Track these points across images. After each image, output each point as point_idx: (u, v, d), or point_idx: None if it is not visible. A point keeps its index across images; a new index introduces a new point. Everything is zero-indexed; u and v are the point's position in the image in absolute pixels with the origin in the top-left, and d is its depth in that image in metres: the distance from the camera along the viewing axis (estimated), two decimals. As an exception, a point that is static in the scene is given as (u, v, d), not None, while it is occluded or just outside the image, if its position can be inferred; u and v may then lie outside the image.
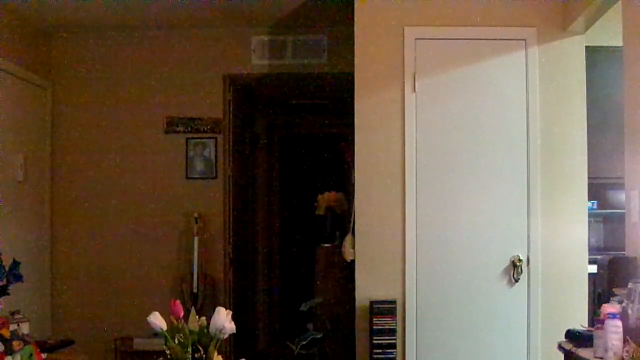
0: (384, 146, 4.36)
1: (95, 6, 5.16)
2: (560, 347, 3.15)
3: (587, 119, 4.35)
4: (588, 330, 3.02)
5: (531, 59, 4.34)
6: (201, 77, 5.80)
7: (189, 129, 5.80)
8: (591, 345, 2.82)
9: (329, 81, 6.20)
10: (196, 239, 5.61)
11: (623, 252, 3.45)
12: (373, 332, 4.17)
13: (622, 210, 3.52)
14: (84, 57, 5.84)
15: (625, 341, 2.61)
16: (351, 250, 4.51)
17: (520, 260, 4.26)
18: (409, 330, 4.29)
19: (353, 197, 4.51)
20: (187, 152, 5.79)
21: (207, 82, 5.80)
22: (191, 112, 5.80)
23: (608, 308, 2.72)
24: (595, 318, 2.84)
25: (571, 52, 4.37)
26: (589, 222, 4.42)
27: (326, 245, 5.36)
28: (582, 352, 2.89)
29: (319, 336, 4.95)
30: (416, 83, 4.35)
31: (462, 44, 4.39)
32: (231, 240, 6.03)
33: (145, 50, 5.83)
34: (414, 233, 4.32)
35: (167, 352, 2.40)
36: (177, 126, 5.80)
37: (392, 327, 4.18)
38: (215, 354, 2.43)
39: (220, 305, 2.56)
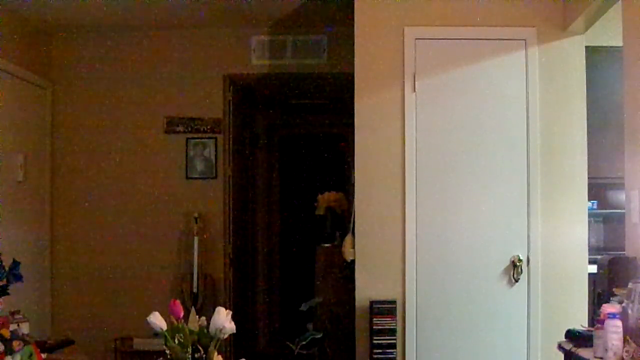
0: (384, 146, 4.36)
1: (95, 6, 5.16)
2: (560, 347, 3.15)
3: (587, 119, 4.35)
4: (588, 330, 3.02)
5: (531, 59, 4.34)
6: (201, 77, 5.80)
7: (189, 129, 5.80)
8: (591, 345, 2.82)
9: (329, 81, 6.20)
10: (196, 239, 5.61)
11: (623, 252, 3.44)
12: (373, 332, 4.17)
13: (622, 210, 3.52)
14: (84, 57, 5.84)
15: (625, 341, 2.61)
16: (351, 250, 4.51)
17: (520, 260, 4.27)
18: (409, 330, 4.29)
19: (353, 197, 4.51)
20: (187, 152, 5.79)
21: (207, 82, 5.81)
22: (191, 112, 5.80)
23: (608, 308, 2.71)
24: (595, 318, 2.84)
25: (571, 52, 4.37)
26: (589, 222, 4.42)
27: (326, 245, 5.35)
28: (582, 352, 2.89)
29: (319, 336, 4.95)
30: (416, 83, 4.35)
31: (462, 44, 4.39)
32: (231, 240, 6.03)
33: (145, 50, 5.83)
34: (414, 233, 4.32)
35: (167, 352, 2.40)
36: (177, 126, 5.80)
37: (392, 327, 4.18)
38: (215, 354, 2.43)
39: (220, 305, 2.56)
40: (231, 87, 6.02)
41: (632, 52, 3.39)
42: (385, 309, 4.18)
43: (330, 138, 8.33)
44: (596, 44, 4.59)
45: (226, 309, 2.48)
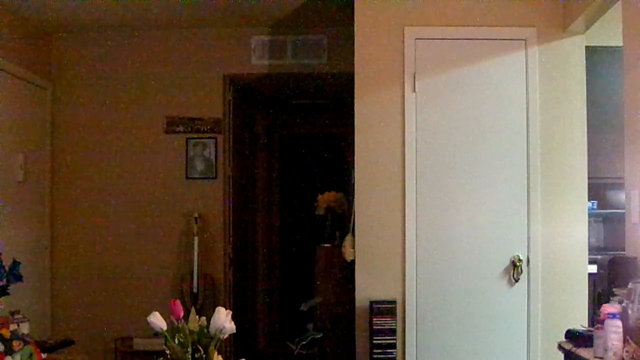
0: (384, 146, 4.36)
1: (95, 6, 5.16)
2: (560, 347, 3.15)
3: (587, 119, 4.35)
4: (588, 330, 3.02)
5: (531, 59, 4.34)
6: (201, 77, 5.80)
7: (189, 129, 5.80)
8: (591, 345, 2.82)
9: (329, 81, 6.20)
10: (196, 239, 5.62)
11: (623, 252, 3.45)
12: (373, 332, 4.17)
13: (622, 210, 3.52)
14: (84, 57, 5.84)
15: (625, 341, 2.61)
16: (351, 250, 4.51)
17: (520, 260, 4.26)
18: (409, 330, 4.29)
19: (353, 197, 4.51)
20: (187, 152, 5.79)
21: (207, 82, 5.80)
22: (191, 112, 5.80)
23: (608, 308, 2.72)
24: (595, 318, 2.84)
25: (571, 52, 4.37)
26: (589, 222, 4.42)
27: (326, 245, 5.36)
28: (582, 352, 2.89)
29: (319, 336, 4.95)
30: (416, 83, 4.35)
31: (462, 44, 4.39)
32: (231, 240, 6.03)
33: (145, 50, 5.83)
34: (414, 233, 4.32)
35: (167, 352, 2.40)
36: (177, 126, 5.80)
37: (392, 327, 4.18)
38: (215, 354, 2.43)
39: (220, 305, 2.57)
40: (231, 87, 6.02)
41: (632, 52, 3.39)
42: (385, 309, 4.18)
43: (330, 138, 8.33)
44: (596, 44, 4.59)
45: (226, 309, 2.48)
